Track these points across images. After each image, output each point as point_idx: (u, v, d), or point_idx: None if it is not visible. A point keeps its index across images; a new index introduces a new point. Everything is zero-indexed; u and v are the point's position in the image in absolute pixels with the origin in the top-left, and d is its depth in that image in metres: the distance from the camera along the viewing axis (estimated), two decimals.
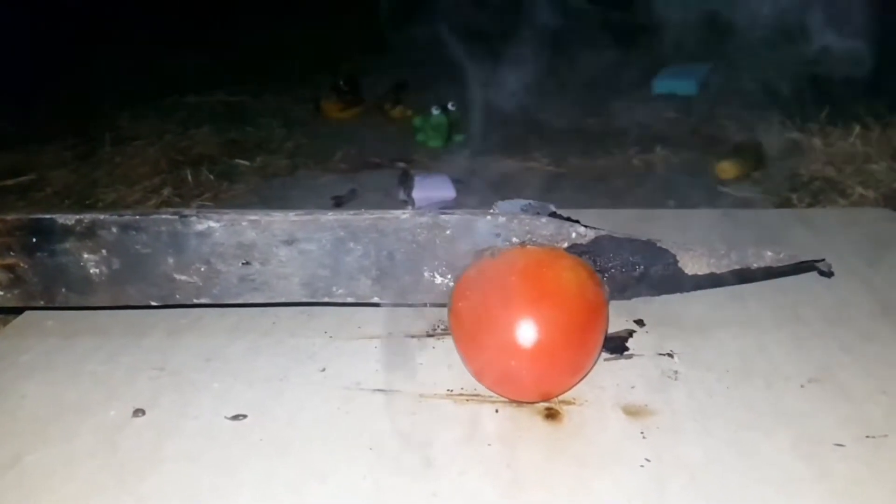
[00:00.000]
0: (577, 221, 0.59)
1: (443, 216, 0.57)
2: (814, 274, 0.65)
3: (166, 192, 1.34)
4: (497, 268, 0.53)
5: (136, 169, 1.48)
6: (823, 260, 0.63)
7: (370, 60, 2.27)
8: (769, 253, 0.61)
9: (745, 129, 1.49)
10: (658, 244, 0.59)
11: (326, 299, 0.60)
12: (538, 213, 0.57)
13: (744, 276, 0.61)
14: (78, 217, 0.59)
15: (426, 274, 0.59)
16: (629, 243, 0.59)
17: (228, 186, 1.38)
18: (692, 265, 0.59)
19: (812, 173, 1.26)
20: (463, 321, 0.52)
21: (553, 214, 0.58)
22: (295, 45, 2.59)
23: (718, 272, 0.60)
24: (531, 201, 0.59)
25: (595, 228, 0.58)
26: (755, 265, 0.60)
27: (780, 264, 0.61)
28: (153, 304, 0.61)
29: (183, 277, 0.60)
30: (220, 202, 1.30)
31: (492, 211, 0.59)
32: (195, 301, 0.61)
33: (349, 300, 0.60)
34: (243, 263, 0.59)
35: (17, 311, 0.67)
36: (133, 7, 2.71)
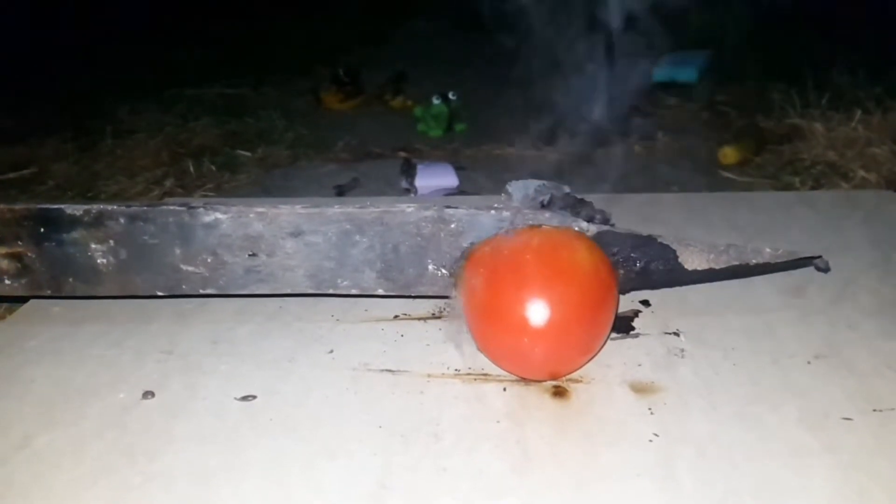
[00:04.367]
0: (590, 203, 0.59)
1: (448, 210, 0.57)
2: (817, 253, 0.65)
3: (168, 183, 1.34)
4: (512, 246, 0.53)
5: (138, 161, 1.48)
6: (820, 257, 0.63)
7: (369, 52, 2.27)
8: (767, 249, 0.61)
9: (747, 115, 1.50)
10: (659, 240, 0.59)
11: (331, 291, 0.60)
12: (552, 194, 0.57)
13: (742, 272, 0.61)
14: (86, 207, 0.59)
15: (430, 267, 0.59)
16: (631, 238, 0.58)
17: (230, 177, 1.38)
18: (692, 261, 0.59)
19: (814, 157, 1.26)
20: (476, 297, 0.52)
21: (567, 195, 0.58)
22: (294, 37, 2.59)
23: (717, 268, 0.60)
24: (545, 182, 0.58)
25: (598, 224, 0.58)
26: (753, 261, 0.60)
27: (777, 260, 0.61)
28: (159, 294, 0.61)
29: (189, 268, 0.60)
30: (223, 192, 1.30)
31: (504, 192, 0.59)
32: (201, 291, 0.61)
33: (354, 292, 0.60)
34: (250, 255, 0.59)
35: (23, 299, 0.67)
36: (131, 1, 2.70)
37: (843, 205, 0.85)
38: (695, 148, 1.38)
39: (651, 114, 1.60)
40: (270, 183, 1.35)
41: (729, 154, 1.29)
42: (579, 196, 0.59)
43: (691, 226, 0.79)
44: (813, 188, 1.15)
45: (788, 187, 1.16)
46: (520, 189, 0.58)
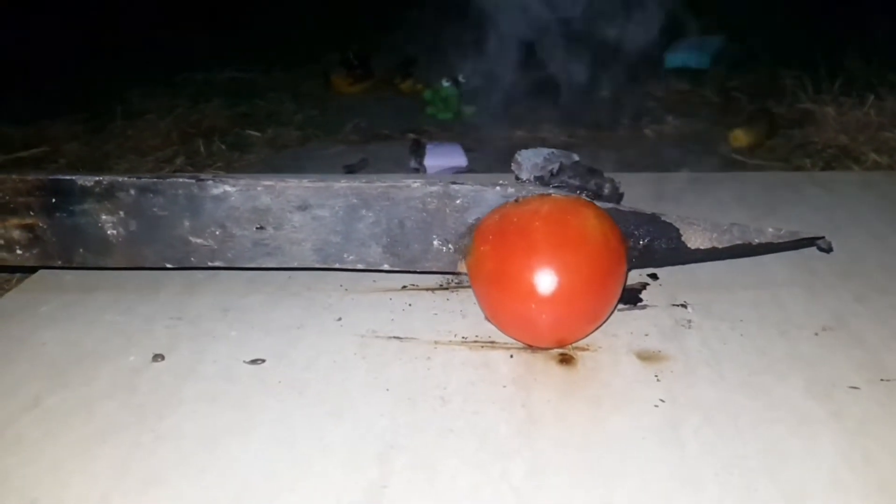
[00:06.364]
0: (599, 171, 0.59)
1: (453, 186, 0.57)
2: (827, 231, 0.65)
3: (179, 161, 1.35)
4: (521, 213, 0.53)
5: (148, 141, 1.49)
6: (823, 237, 0.63)
7: (379, 36, 2.27)
8: (770, 229, 0.61)
9: (759, 100, 1.48)
10: (662, 218, 0.59)
11: (337, 265, 0.60)
12: (562, 163, 0.57)
13: (745, 252, 0.61)
14: (97, 178, 0.59)
15: (435, 243, 0.59)
16: (634, 216, 0.58)
17: (240, 156, 1.38)
18: (695, 239, 0.59)
19: (826, 141, 1.25)
20: (484, 264, 0.53)
21: (577, 164, 0.58)
22: (304, 22, 2.59)
23: (720, 247, 0.60)
24: (554, 150, 0.58)
25: (603, 200, 0.58)
26: (756, 241, 0.60)
27: (780, 240, 0.61)
28: (168, 266, 0.62)
29: (198, 240, 0.60)
30: (233, 171, 1.31)
31: (514, 161, 0.59)
32: (209, 264, 0.61)
33: (359, 266, 0.60)
34: (257, 228, 0.59)
35: (34, 269, 0.67)
36: None
37: (854, 185, 0.84)
38: (706, 132, 1.38)
39: (662, 98, 1.60)
40: (280, 162, 1.36)
41: (740, 137, 1.28)
42: (588, 165, 0.59)
43: (702, 204, 0.78)
44: (824, 170, 1.14)
45: (800, 170, 1.15)
46: (529, 158, 0.58)
